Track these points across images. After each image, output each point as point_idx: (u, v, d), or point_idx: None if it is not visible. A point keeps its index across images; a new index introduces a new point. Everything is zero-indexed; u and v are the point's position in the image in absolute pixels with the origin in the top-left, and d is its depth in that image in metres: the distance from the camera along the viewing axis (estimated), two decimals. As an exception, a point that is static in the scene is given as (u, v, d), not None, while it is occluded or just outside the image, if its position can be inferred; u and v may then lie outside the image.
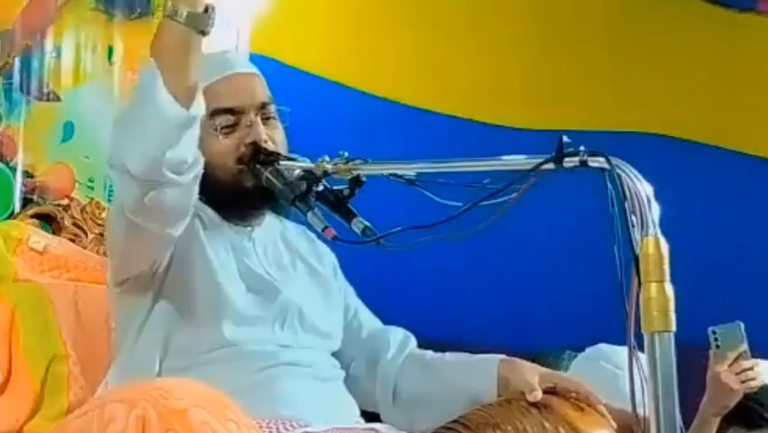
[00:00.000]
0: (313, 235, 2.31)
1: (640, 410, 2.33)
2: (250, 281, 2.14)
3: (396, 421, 2.24)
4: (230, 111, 2.14)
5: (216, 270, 2.10)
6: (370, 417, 2.26)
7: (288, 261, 2.25)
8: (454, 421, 2.00)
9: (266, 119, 2.17)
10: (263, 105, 2.18)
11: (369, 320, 2.37)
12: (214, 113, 2.11)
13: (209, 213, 2.19)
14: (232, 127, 2.14)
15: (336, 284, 2.33)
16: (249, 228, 2.22)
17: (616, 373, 2.59)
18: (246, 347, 2.07)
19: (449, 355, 2.29)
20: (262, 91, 2.20)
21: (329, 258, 2.34)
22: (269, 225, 2.27)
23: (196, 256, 2.10)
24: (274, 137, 2.16)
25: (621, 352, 2.56)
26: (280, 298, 2.15)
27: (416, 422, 2.23)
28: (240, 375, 2.00)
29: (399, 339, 2.33)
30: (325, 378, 2.16)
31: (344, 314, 2.32)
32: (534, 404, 1.98)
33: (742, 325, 2.77)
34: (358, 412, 2.19)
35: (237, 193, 2.15)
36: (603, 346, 2.76)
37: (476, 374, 2.16)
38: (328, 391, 2.14)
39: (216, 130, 2.12)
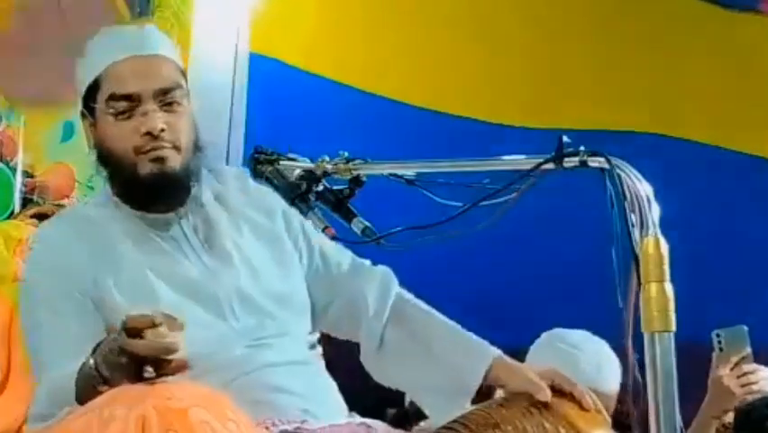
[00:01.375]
0: (251, 181, 2.20)
1: (612, 387, 2.45)
2: (183, 285, 2.05)
3: (372, 368, 2.17)
4: (127, 97, 2.05)
5: (142, 278, 2.03)
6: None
7: (231, 226, 2.13)
8: (454, 421, 2.00)
9: (167, 104, 2.07)
10: (164, 92, 2.07)
11: (336, 255, 2.20)
12: (110, 97, 2.05)
13: (122, 215, 2.11)
14: (127, 113, 2.05)
15: (288, 236, 2.19)
16: (172, 214, 2.10)
17: (573, 353, 2.65)
18: (214, 357, 1.98)
19: (441, 326, 2.16)
20: (164, 76, 2.08)
21: (277, 204, 2.20)
22: (199, 198, 2.13)
23: (126, 295, 2.02)
24: (176, 124, 2.06)
25: (575, 333, 2.69)
26: (224, 287, 2.06)
27: (391, 376, 2.16)
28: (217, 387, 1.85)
29: (378, 290, 2.18)
30: (311, 372, 2.10)
31: (309, 259, 2.19)
32: (534, 404, 1.98)
33: (746, 329, 2.77)
34: (342, 400, 2.14)
35: (133, 182, 2.06)
36: (557, 330, 2.78)
37: (466, 365, 2.06)
38: (309, 383, 2.07)
39: (116, 114, 2.05)
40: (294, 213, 2.19)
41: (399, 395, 2.34)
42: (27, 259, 2.16)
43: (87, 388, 1.79)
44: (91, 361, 1.78)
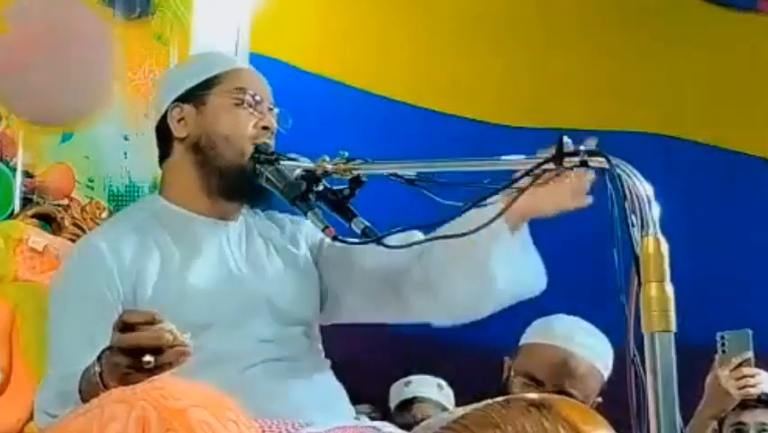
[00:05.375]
0: (295, 218, 2.32)
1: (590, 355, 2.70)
2: (217, 280, 2.17)
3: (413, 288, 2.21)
4: (253, 96, 2.24)
5: (180, 277, 2.13)
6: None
7: (263, 251, 2.27)
8: (455, 421, 2.00)
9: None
10: (272, 108, 2.28)
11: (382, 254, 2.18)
12: (238, 89, 2.24)
13: (174, 217, 2.23)
14: (250, 106, 2.23)
15: (309, 254, 2.32)
16: (223, 222, 2.24)
17: (549, 320, 2.86)
18: (225, 349, 2.08)
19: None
20: (271, 97, 2.30)
21: (310, 236, 2.33)
22: (243, 221, 2.29)
23: (157, 277, 2.14)
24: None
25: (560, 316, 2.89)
26: (251, 292, 2.17)
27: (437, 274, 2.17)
28: (224, 378, 1.92)
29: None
30: (311, 370, 2.17)
31: (321, 250, 2.31)
32: (533, 404, 1.98)
33: (750, 332, 2.79)
34: (348, 402, 2.18)
35: (236, 170, 2.19)
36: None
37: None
38: (316, 383, 2.15)
39: (240, 103, 2.23)
40: (327, 245, 2.29)
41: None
42: (65, 262, 2.26)
43: (91, 393, 1.83)
44: (96, 367, 1.83)
